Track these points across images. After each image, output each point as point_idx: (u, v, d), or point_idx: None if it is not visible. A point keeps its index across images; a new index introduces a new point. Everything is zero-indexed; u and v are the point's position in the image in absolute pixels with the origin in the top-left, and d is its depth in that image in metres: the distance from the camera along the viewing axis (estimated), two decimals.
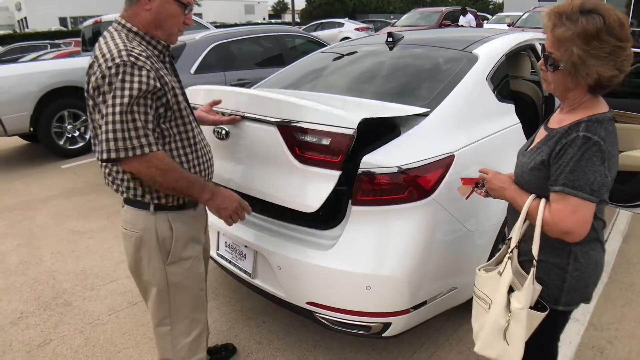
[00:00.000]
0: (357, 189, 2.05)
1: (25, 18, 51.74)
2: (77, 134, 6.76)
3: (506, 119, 2.76)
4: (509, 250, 1.58)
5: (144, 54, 1.59)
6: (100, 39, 1.65)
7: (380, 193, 2.04)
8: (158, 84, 1.58)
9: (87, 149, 6.77)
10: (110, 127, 1.51)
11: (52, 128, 6.44)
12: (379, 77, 2.85)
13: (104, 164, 1.73)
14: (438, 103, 2.38)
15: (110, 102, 1.51)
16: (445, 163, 2.17)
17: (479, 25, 16.23)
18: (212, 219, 2.49)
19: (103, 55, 1.55)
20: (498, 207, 2.52)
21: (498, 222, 2.52)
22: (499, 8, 48.18)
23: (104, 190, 5.31)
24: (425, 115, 2.32)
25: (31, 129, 6.32)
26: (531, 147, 1.66)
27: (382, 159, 2.03)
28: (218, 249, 2.63)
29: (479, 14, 19.76)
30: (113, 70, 1.51)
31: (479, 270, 1.69)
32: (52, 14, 48.48)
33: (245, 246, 2.42)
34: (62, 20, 49.96)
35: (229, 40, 5.32)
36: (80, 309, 3.11)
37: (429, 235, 2.13)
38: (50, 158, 6.66)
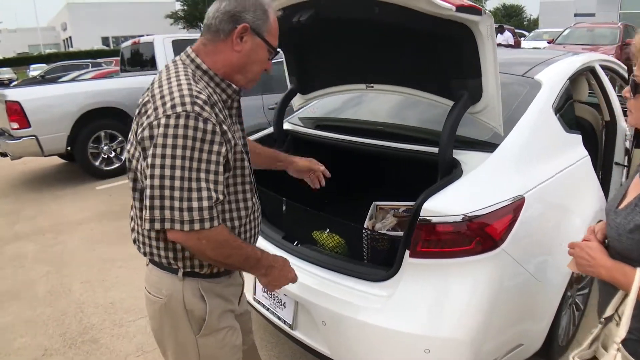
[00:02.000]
0: (416, 240, 1.76)
1: (70, 37, 53.77)
2: (112, 154, 6.69)
3: (575, 151, 2.44)
4: (618, 341, 1.25)
5: (210, 99, 1.31)
6: (163, 72, 1.39)
7: (443, 244, 1.76)
8: (223, 149, 1.31)
9: (123, 170, 6.67)
10: (157, 192, 1.24)
11: (89, 149, 6.39)
12: (430, 106, 2.58)
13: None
14: (502, 138, 2.09)
15: (163, 161, 1.23)
16: (515, 207, 1.87)
17: (517, 42, 15.73)
18: None
19: (162, 97, 1.28)
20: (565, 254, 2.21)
21: (569, 271, 2.20)
22: (534, 24, 47.29)
23: None
24: (489, 150, 2.03)
25: (68, 149, 6.28)
26: (626, 203, 1.35)
27: (445, 206, 1.75)
28: (255, 294, 2.38)
29: (516, 30, 19.23)
30: (172, 121, 1.22)
31: (573, 359, 1.38)
32: (95, 33, 50.23)
33: (285, 294, 2.17)
34: (105, 40, 51.68)
35: None
36: (107, 347, 2.90)
37: (495, 291, 1.83)
38: (85, 179, 6.60)
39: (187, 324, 1.49)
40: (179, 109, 1.23)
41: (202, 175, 1.25)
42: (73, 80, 9.81)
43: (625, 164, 3.17)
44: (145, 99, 1.35)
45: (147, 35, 7.79)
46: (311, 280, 2.08)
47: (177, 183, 1.22)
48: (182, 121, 1.22)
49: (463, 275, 1.78)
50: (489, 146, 2.09)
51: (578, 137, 2.51)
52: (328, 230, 2.26)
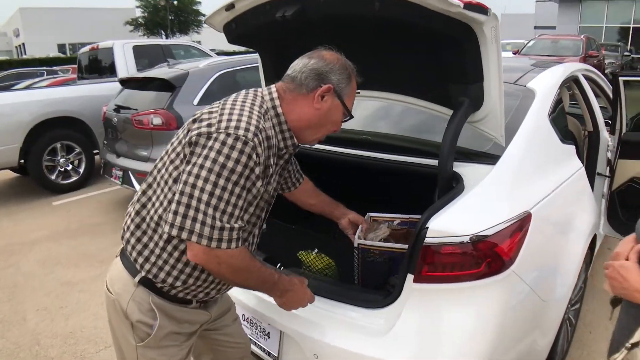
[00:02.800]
0: (421, 264, 1.59)
1: (23, 44, 51.62)
2: (70, 167, 6.26)
3: (571, 163, 2.34)
4: None
5: (270, 140, 1.32)
6: (240, 94, 1.40)
7: (450, 268, 1.59)
8: (259, 184, 1.32)
9: (81, 184, 6.26)
10: (186, 199, 1.23)
11: (44, 161, 5.95)
12: (423, 115, 2.43)
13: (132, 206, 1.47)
14: (502, 149, 1.95)
15: (204, 174, 1.22)
16: (523, 224, 1.73)
17: None
18: (232, 292, 2.04)
19: (230, 115, 1.28)
20: (571, 268, 2.09)
21: (570, 286, 2.08)
22: None
23: (99, 231, 4.82)
24: (490, 162, 1.89)
25: (21, 162, 5.84)
26: None
27: (451, 226, 1.58)
28: None
29: None
30: (229, 140, 1.23)
31: None
32: (50, 40, 48.31)
33: (269, 324, 1.95)
34: (61, 47, 49.89)
35: (234, 68, 4.91)
36: None
37: (504, 316, 1.67)
38: (41, 194, 6.14)
39: (130, 330, 1.46)
40: (241, 132, 1.24)
41: (234, 199, 1.25)
42: (26, 88, 9.25)
43: (608, 174, 3.12)
44: (213, 109, 1.34)
45: (106, 41, 7.42)
46: (302, 308, 1.87)
47: (211, 200, 1.22)
48: (238, 144, 1.23)
49: (472, 301, 1.62)
50: (489, 158, 1.95)
51: (572, 148, 2.42)
52: (316, 250, 2.06)
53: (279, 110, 1.40)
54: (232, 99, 1.37)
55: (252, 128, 1.26)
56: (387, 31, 1.79)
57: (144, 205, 1.42)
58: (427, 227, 1.58)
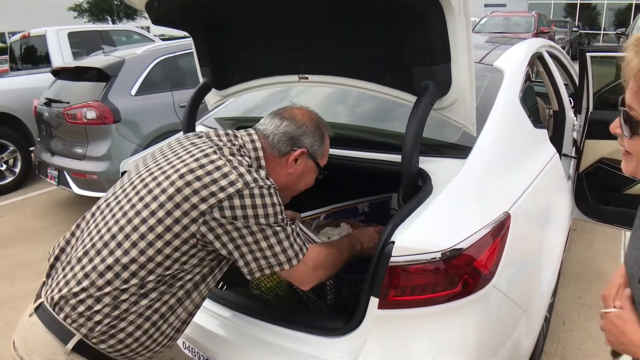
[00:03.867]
0: (386, 288, 1.30)
1: None
2: (4, 167, 5.65)
3: (545, 149, 2.10)
4: None
5: None
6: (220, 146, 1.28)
7: (422, 290, 1.30)
8: None
9: (16, 185, 5.67)
10: (257, 247, 1.22)
11: None
12: (380, 101, 2.11)
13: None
14: (473, 140, 1.67)
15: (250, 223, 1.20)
16: (502, 229, 1.46)
17: None
18: None
19: (241, 175, 1.21)
20: (551, 267, 1.86)
21: (551, 288, 1.85)
22: None
23: (36, 238, 4.33)
24: (460, 155, 1.61)
25: None
26: None
27: (421, 240, 1.29)
28: None
29: None
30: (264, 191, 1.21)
31: None
32: None
33: (207, 358, 1.62)
34: (1, 36, 46.77)
35: (175, 54, 4.44)
36: None
37: (485, 337, 1.42)
38: None
39: None
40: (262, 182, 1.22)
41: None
42: None
43: (574, 155, 2.93)
44: (202, 167, 1.22)
45: (39, 28, 6.74)
46: (243, 337, 1.55)
47: (276, 236, 1.22)
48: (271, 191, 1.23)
49: (448, 326, 1.34)
50: (458, 150, 1.67)
51: (545, 133, 2.18)
52: None
53: (262, 163, 1.33)
54: (209, 149, 1.25)
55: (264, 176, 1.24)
56: (334, 6, 1.46)
57: (86, 253, 1.21)
58: (392, 242, 1.28)
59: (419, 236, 1.29)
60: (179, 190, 1.16)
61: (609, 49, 3.93)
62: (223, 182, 1.16)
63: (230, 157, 1.22)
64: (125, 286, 1.15)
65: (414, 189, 1.51)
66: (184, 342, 1.74)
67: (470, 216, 1.41)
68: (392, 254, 1.26)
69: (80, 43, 6.48)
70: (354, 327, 1.39)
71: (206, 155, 1.21)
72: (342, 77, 1.83)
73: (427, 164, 1.58)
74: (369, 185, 2.10)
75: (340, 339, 1.41)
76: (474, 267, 1.33)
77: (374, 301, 1.33)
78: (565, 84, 3.39)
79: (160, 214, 1.16)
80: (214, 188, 1.15)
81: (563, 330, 2.62)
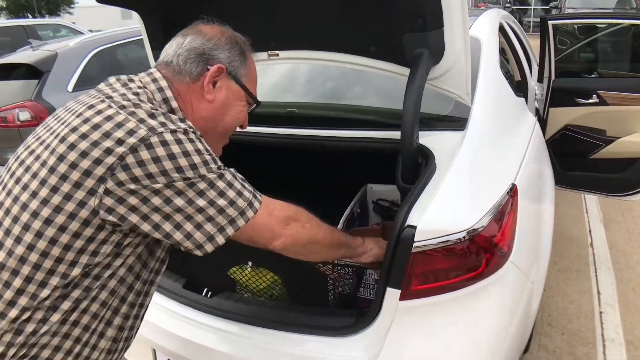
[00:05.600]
0: (409, 277, 1.14)
1: None
2: None
3: (528, 117, 2.02)
4: None
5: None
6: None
7: (446, 275, 1.17)
8: None
9: None
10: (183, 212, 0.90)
11: None
12: (365, 78, 1.94)
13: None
14: (467, 110, 1.55)
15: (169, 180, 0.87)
16: (513, 201, 1.36)
17: None
18: (143, 332, 1.47)
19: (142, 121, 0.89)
20: (548, 233, 1.78)
21: (548, 254, 1.78)
22: None
23: None
24: (457, 127, 1.49)
25: None
26: None
27: (444, 221, 1.14)
28: None
29: None
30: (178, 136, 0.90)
31: None
32: None
33: None
34: None
35: (114, 43, 4.05)
36: None
37: (511, 316, 1.31)
38: None
39: None
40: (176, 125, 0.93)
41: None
42: None
43: None
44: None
45: None
46: (237, 347, 1.35)
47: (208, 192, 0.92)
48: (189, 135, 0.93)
49: (473, 308, 1.21)
50: (454, 122, 1.54)
51: (523, 101, 2.10)
52: (250, 263, 1.54)
53: (173, 104, 0.99)
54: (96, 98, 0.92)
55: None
56: None
57: None
58: (413, 227, 1.13)
59: (441, 217, 1.14)
60: (61, 158, 0.84)
61: (569, 17, 4.00)
62: (119, 134, 0.84)
63: (125, 103, 0.90)
64: (23, 300, 0.85)
65: (415, 167, 1.37)
66: (168, 358, 1.52)
67: (484, 190, 1.29)
68: (415, 239, 1.11)
69: (2, 40, 5.86)
70: (368, 322, 1.23)
71: (91, 107, 0.89)
72: (319, 51, 1.65)
73: (424, 138, 1.44)
74: (345, 171, 1.95)
75: (354, 338, 1.25)
76: (495, 244, 1.21)
77: (392, 292, 1.17)
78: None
79: (44, 192, 0.84)
80: (108, 143, 0.84)
81: (545, 297, 2.60)
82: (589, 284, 2.72)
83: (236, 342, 1.34)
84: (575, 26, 4.69)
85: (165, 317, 1.47)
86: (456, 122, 1.53)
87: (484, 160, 1.41)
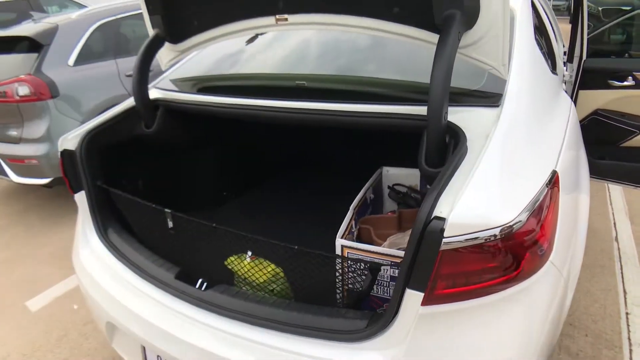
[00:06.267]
0: (435, 278, 0.95)
1: None
2: None
3: (564, 97, 1.80)
4: None
5: None
6: None
7: (479, 277, 0.97)
8: None
9: None
10: None
11: None
12: (380, 46, 1.72)
13: None
14: (502, 84, 1.33)
15: None
16: (554, 191, 1.15)
17: None
18: (133, 326, 1.32)
19: None
20: (582, 234, 1.58)
21: (581, 256, 1.59)
22: None
23: None
24: (490, 103, 1.27)
25: None
26: None
27: (480, 214, 0.94)
28: None
29: None
30: None
31: None
32: None
33: None
34: None
35: (117, 17, 3.82)
36: None
37: (544, 324, 1.11)
38: None
39: None
40: None
41: None
42: None
43: None
44: None
45: None
46: (231, 349, 1.17)
47: None
48: None
49: (509, 315, 1.02)
50: (486, 98, 1.33)
51: (558, 79, 1.88)
52: (250, 252, 1.36)
53: None
54: None
55: None
56: None
57: None
58: (442, 219, 0.93)
59: (476, 209, 0.94)
60: None
61: None
62: None
63: None
64: None
65: (443, 148, 1.17)
66: (158, 356, 1.35)
67: (523, 178, 1.08)
68: (445, 235, 0.91)
69: (6, 12, 5.66)
70: (382, 328, 1.05)
71: None
72: (333, 14, 1.44)
73: (452, 115, 1.23)
74: (358, 151, 1.75)
75: (363, 345, 1.06)
76: (535, 241, 1.01)
77: (412, 295, 0.98)
78: None
79: None
80: None
81: None
82: (614, 281, 2.51)
83: (231, 343, 1.16)
84: (600, 8, 4.41)
85: (156, 310, 1.31)
86: (488, 97, 1.32)
87: (523, 143, 1.20)
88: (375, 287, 1.33)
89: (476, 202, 0.94)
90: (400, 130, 1.33)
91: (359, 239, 1.43)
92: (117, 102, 1.90)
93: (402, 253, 1.16)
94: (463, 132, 1.16)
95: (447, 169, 1.04)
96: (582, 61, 2.51)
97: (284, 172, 2.59)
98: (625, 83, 2.41)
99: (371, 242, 1.38)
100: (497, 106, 1.25)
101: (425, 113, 1.21)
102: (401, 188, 1.65)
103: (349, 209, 1.46)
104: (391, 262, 1.17)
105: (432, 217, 0.94)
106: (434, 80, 1.11)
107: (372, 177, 1.59)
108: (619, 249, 2.80)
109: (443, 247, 0.91)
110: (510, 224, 0.94)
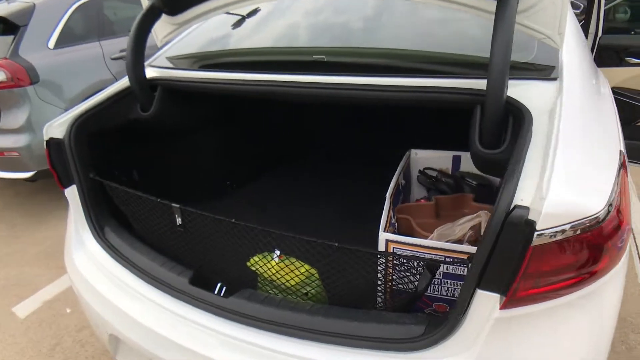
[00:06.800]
0: (522, 278, 0.80)
1: None
2: None
3: (598, 69, 1.66)
4: None
5: None
6: None
7: (565, 274, 0.82)
8: None
9: None
10: None
11: None
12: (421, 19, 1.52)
13: None
14: (555, 56, 1.18)
15: None
16: (623, 172, 1.01)
17: None
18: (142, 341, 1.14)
19: None
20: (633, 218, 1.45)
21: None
22: None
23: None
24: (545, 76, 1.12)
25: None
26: None
27: (570, 203, 0.77)
28: None
29: None
30: None
31: None
32: None
33: None
34: None
35: None
36: None
37: (615, 318, 0.99)
38: None
39: None
40: None
41: None
42: None
43: None
44: None
45: None
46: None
47: None
48: None
49: (588, 313, 0.88)
50: (538, 71, 1.18)
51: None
52: (278, 252, 1.18)
53: None
54: None
55: None
56: None
57: None
58: (520, 207, 0.78)
59: (570, 196, 0.78)
60: None
61: None
62: None
63: None
64: None
65: (501, 126, 1.01)
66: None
67: (600, 160, 0.93)
68: (537, 227, 0.75)
69: None
70: (447, 334, 0.89)
71: None
72: None
73: (509, 89, 1.06)
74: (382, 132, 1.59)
75: (424, 353, 0.91)
76: (618, 230, 0.86)
77: (487, 297, 0.83)
78: None
79: None
80: None
81: None
82: (630, 262, 2.41)
83: (265, 359, 0.99)
84: None
85: (167, 321, 1.13)
86: (539, 70, 1.17)
87: (592, 121, 1.05)
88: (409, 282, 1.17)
89: (567, 188, 0.79)
90: (441, 106, 1.17)
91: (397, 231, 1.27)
92: (103, 87, 1.68)
93: (467, 248, 1.01)
94: (527, 108, 1.00)
95: (518, 151, 0.88)
96: (598, 38, 2.38)
97: (288, 158, 2.41)
98: None
99: (412, 234, 1.22)
100: (555, 79, 1.10)
101: (476, 87, 1.07)
102: (432, 172, 1.50)
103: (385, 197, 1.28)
104: (453, 258, 1.02)
105: (513, 207, 0.79)
106: (494, 49, 0.96)
107: (402, 161, 1.43)
108: (632, 229, 2.71)
109: (536, 242, 0.76)
110: (602, 212, 0.79)
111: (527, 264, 0.78)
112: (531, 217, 0.77)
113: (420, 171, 1.52)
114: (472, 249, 0.98)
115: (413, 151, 1.52)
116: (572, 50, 1.23)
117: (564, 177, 0.79)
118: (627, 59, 2.34)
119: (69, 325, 2.05)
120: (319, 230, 1.65)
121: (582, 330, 0.90)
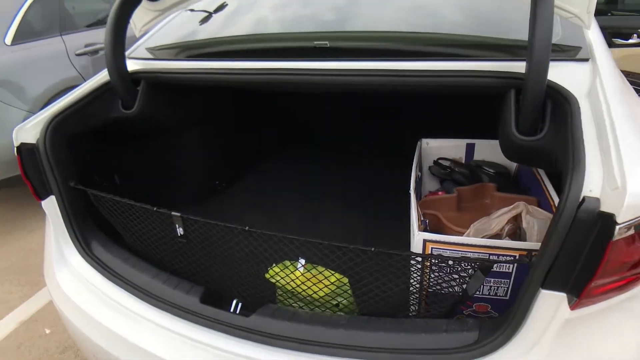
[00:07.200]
0: (604, 275, 0.71)
1: None
2: None
3: None
4: None
5: None
6: None
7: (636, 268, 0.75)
8: None
9: None
10: None
11: None
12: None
13: None
14: (582, 36, 1.12)
15: None
16: None
17: None
18: (100, 342, 1.00)
19: None
20: None
21: None
22: None
23: None
24: (575, 57, 1.05)
25: None
26: None
27: None
28: None
29: None
30: None
31: None
32: None
33: None
34: None
35: None
36: None
37: None
38: None
39: None
40: None
41: None
42: None
43: None
44: None
45: None
46: None
47: None
48: None
49: None
50: (564, 52, 1.11)
51: None
52: (303, 260, 1.06)
53: None
54: None
55: None
56: None
57: None
58: (596, 200, 0.70)
59: None
60: None
61: None
62: None
63: None
64: None
65: (541, 111, 0.93)
66: None
67: None
68: (618, 220, 0.67)
69: None
70: (506, 339, 0.81)
71: None
72: None
73: None
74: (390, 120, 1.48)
75: None
76: None
77: (553, 297, 0.75)
78: None
79: None
80: None
81: None
82: None
83: None
84: None
85: (178, 347, 0.99)
86: (566, 51, 1.10)
87: (634, 105, 0.99)
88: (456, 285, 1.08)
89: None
90: (468, 91, 1.08)
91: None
92: (70, 85, 1.49)
93: (524, 244, 0.92)
94: (570, 92, 0.92)
95: (574, 138, 0.80)
96: None
97: (278, 153, 2.28)
98: (631, 41, 2.28)
99: (442, 231, 1.13)
100: (587, 60, 1.03)
101: (509, 69, 0.98)
102: (445, 162, 1.41)
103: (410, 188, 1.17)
104: (506, 256, 0.93)
105: (582, 198, 0.70)
106: (536, 29, 0.87)
107: (417, 152, 1.33)
108: None
109: (617, 237, 0.67)
110: None
111: (607, 260, 0.69)
112: (606, 209, 0.69)
113: (434, 161, 1.43)
114: (530, 245, 0.90)
115: (424, 140, 1.43)
116: (595, 29, 1.17)
117: (637, 165, 0.72)
118: (613, 39, 2.32)
119: (50, 348, 1.85)
120: (332, 231, 1.54)
121: None
